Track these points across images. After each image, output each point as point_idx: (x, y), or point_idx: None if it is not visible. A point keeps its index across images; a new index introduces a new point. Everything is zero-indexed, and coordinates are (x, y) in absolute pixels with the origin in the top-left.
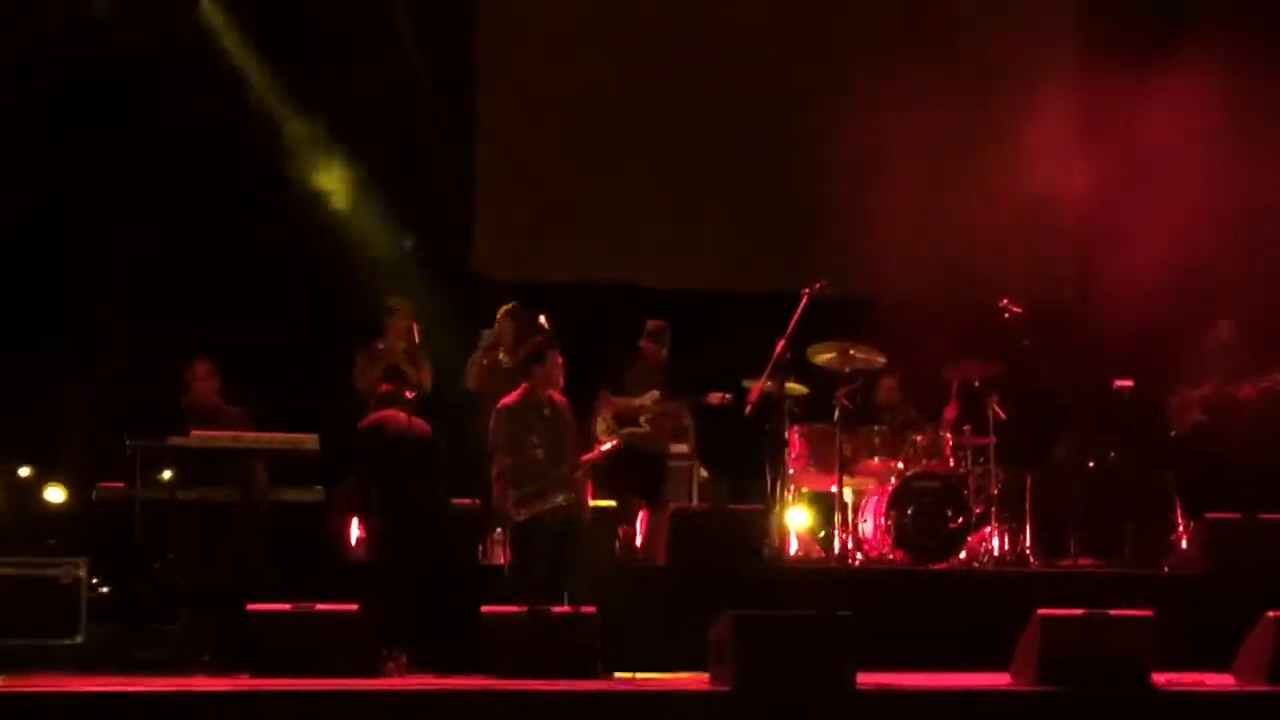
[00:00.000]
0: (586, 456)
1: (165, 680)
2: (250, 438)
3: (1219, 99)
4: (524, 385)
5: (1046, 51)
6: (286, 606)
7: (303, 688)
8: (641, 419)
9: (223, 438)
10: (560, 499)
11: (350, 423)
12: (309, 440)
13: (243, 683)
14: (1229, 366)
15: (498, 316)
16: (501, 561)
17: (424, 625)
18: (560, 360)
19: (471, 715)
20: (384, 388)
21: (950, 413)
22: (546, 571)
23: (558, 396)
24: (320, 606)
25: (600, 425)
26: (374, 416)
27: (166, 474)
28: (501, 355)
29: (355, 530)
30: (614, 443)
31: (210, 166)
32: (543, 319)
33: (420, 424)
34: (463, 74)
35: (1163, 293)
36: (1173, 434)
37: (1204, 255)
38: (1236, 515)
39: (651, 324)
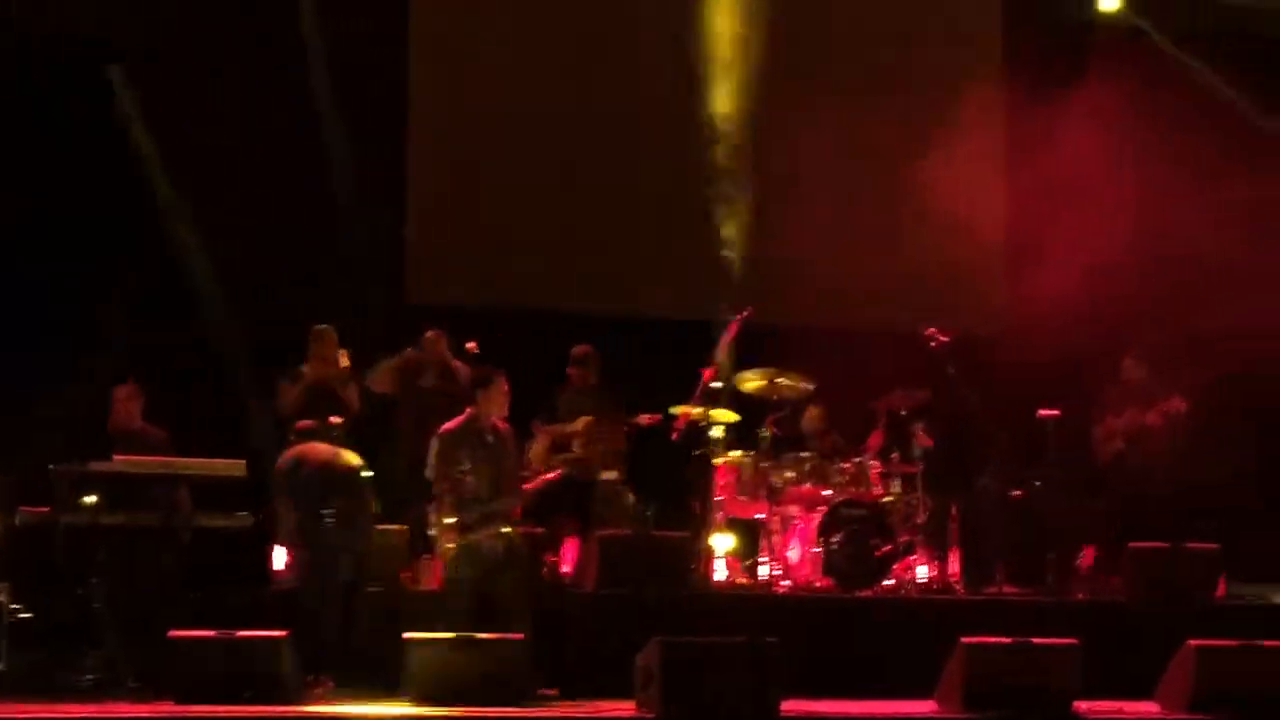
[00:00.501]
0: (529, 485)
1: (88, 707)
2: (176, 463)
3: (1131, 133)
4: (468, 410)
5: (971, 85)
6: (211, 633)
7: (227, 714)
8: (575, 445)
9: (148, 463)
10: (501, 527)
11: (274, 451)
12: (235, 466)
13: (166, 709)
14: (1142, 395)
15: (424, 340)
16: (432, 588)
17: (350, 652)
18: (506, 388)
19: None
20: (302, 425)
21: (876, 440)
22: (480, 600)
23: (501, 424)
24: (244, 633)
25: (536, 454)
26: (293, 451)
27: (90, 499)
28: (423, 380)
29: (282, 557)
30: (557, 472)
31: (130, 190)
32: (471, 345)
33: (347, 455)
34: (394, 101)
35: (1086, 322)
36: (1098, 464)
37: (1125, 284)
38: (1160, 545)
39: (578, 350)
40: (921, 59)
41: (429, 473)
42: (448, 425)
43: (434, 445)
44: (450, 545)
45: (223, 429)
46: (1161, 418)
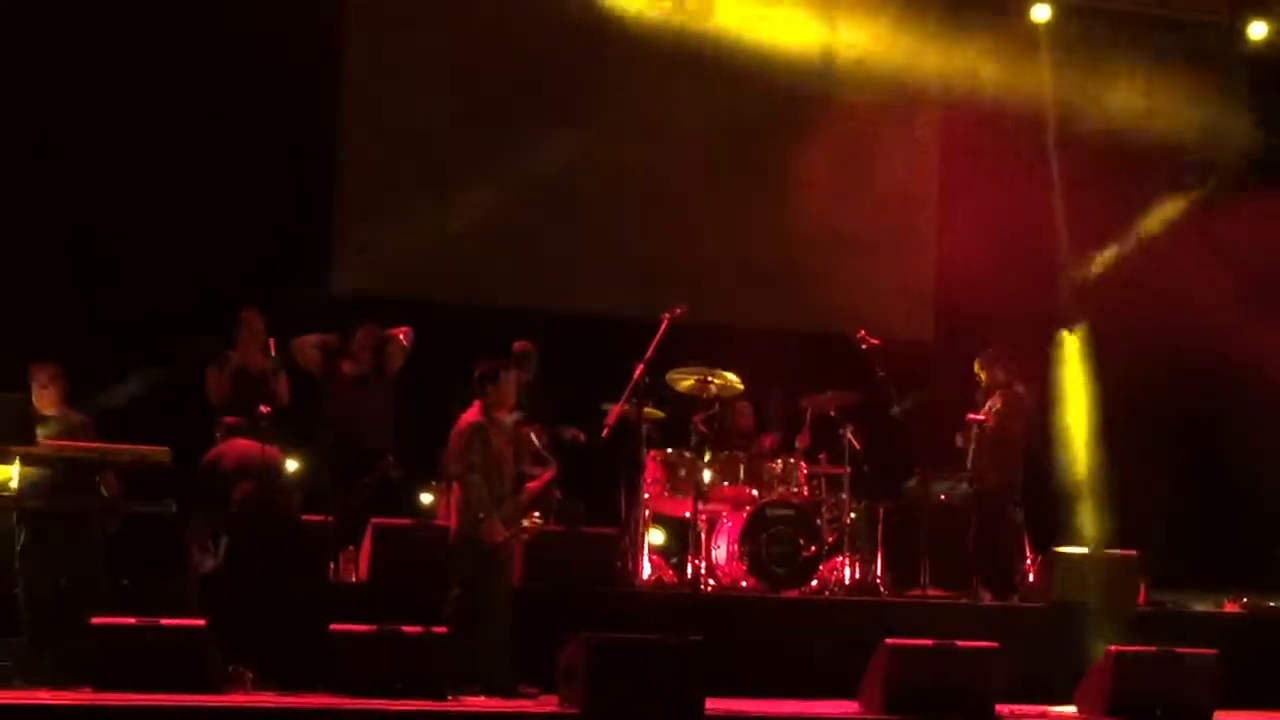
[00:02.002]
0: (531, 485)
1: (6, 693)
2: (100, 448)
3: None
4: (477, 404)
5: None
6: (131, 620)
7: (146, 702)
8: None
9: (71, 447)
10: (526, 520)
11: (200, 443)
12: (159, 453)
13: (86, 696)
14: (985, 397)
15: (357, 334)
16: (352, 579)
17: (272, 642)
18: (514, 380)
19: None
20: (229, 420)
21: (802, 441)
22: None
23: (505, 416)
24: (165, 621)
25: None
26: (216, 450)
27: (12, 482)
28: (346, 364)
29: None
30: (551, 471)
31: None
32: (402, 335)
33: (271, 450)
34: (325, 87)
35: (1017, 325)
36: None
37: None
38: (1082, 550)
39: (517, 346)
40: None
41: (453, 467)
42: (469, 417)
43: (465, 438)
44: (495, 539)
45: (148, 414)
46: (988, 416)
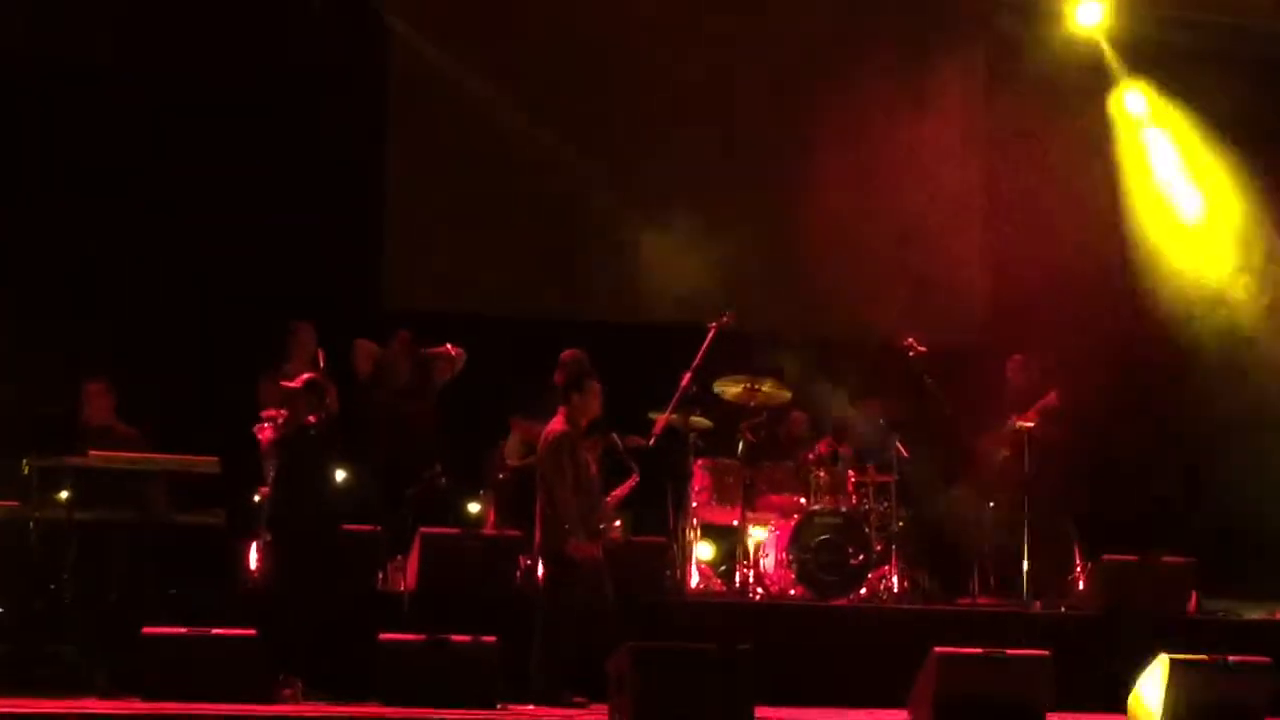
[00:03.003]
0: (614, 494)
1: (58, 703)
2: (149, 459)
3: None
4: (563, 411)
5: (953, 86)
6: (182, 630)
7: (196, 712)
8: None
9: (121, 458)
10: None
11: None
12: (208, 463)
13: (136, 706)
14: (1023, 401)
15: (395, 339)
16: (401, 589)
17: (321, 652)
18: (598, 389)
19: None
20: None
21: (847, 450)
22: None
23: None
24: (215, 630)
25: (510, 449)
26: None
27: (63, 494)
28: (395, 379)
29: (254, 555)
30: (634, 480)
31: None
32: (449, 347)
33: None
34: (375, 102)
35: (1065, 332)
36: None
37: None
38: (1133, 557)
39: (566, 355)
40: (909, 61)
41: (550, 476)
42: (556, 427)
43: (556, 448)
44: (589, 552)
45: (197, 425)
46: (1038, 415)
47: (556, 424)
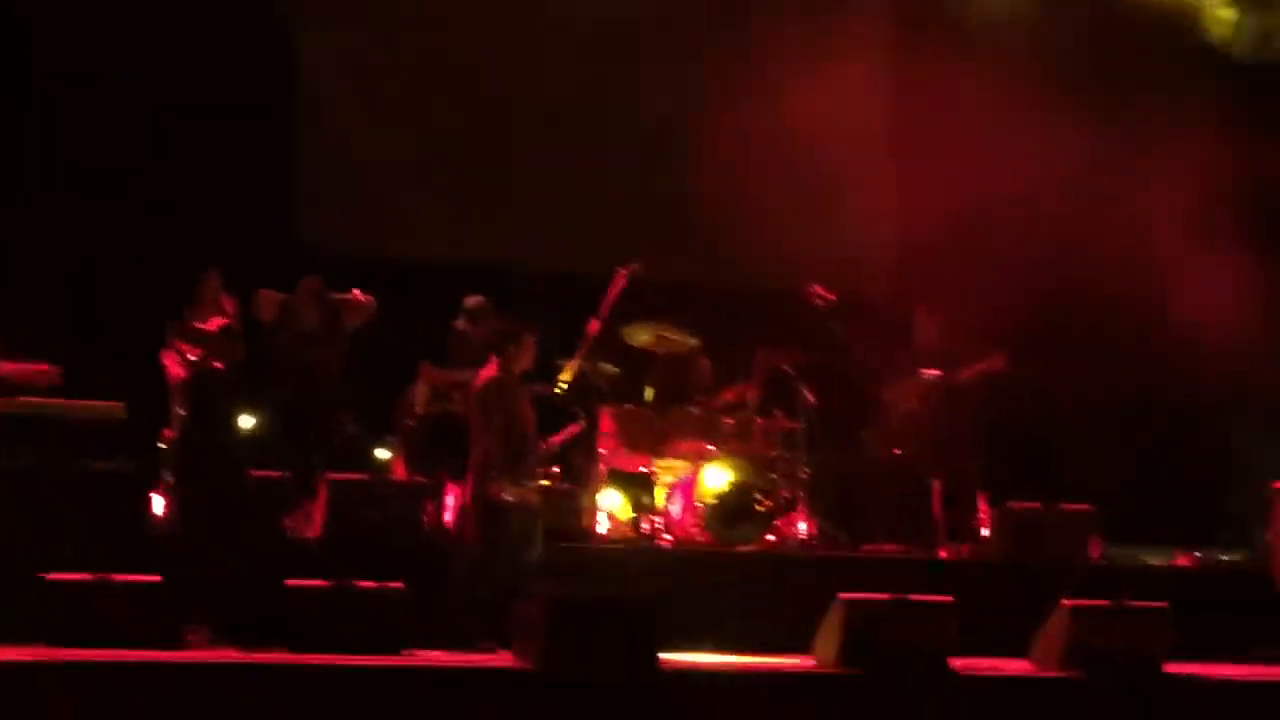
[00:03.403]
0: (556, 438)
1: None
2: (52, 405)
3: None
4: (494, 361)
5: (861, 37)
6: (86, 576)
7: (102, 658)
8: (457, 395)
9: (26, 404)
10: (538, 482)
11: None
12: (113, 409)
13: (40, 653)
14: (933, 356)
15: (301, 285)
16: (308, 535)
17: (228, 598)
18: (533, 344)
19: (274, 688)
20: (192, 354)
21: (757, 396)
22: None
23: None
24: (120, 577)
25: (419, 395)
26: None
27: None
28: (302, 323)
29: (160, 501)
30: (579, 425)
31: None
32: (357, 293)
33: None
34: (284, 49)
35: (972, 283)
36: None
37: (1014, 246)
38: (1037, 504)
39: (470, 301)
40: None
41: (477, 422)
42: (487, 373)
43: (483, 394)
44: (507, 498)
45: (101, 371)
46: (974, 375)
47: (489, 371)
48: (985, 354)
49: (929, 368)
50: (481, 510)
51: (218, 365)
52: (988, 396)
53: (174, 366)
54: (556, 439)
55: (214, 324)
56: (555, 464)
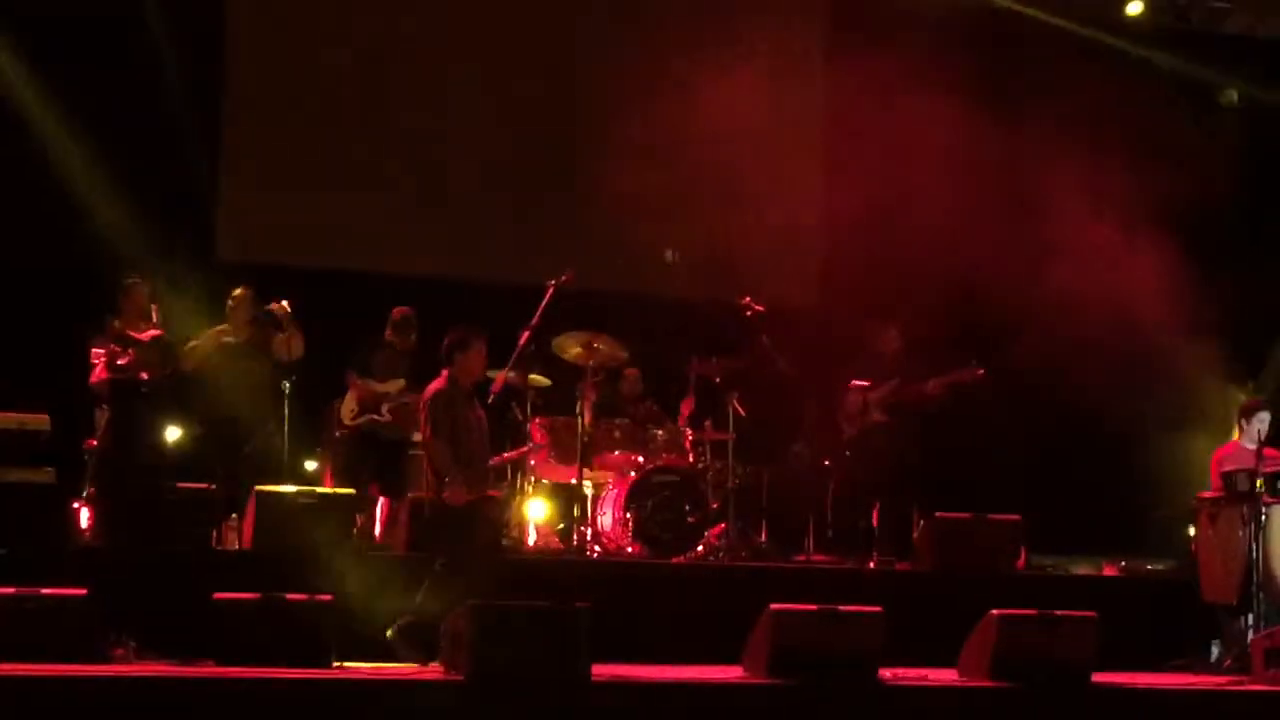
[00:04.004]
0: (504, 455)
1: None
2: None
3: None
4: (445, 372)
5: (794, 50)
6: (10, 590)
7: (27, 673)
8: (384, 407)
9: None
10: (491, 488)
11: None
12: (38, 420)
13: None
14: (906, 367)
15: (230, 298)
16: (237, 546)
17: (155, 611)
18: (483, 350)
19: (200, 701)
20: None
21: (686, 407)
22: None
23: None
24: (45, 590)
25: (345, 407)
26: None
27: None
28: (228, 337)
29: (85, 513)
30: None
31: None
32: (285, 304)
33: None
34: (210, 58)
35: (899, 294)
36: (845, 434)
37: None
38: (966, 515)
39: (396, 312)
40: (749, 23)
41: (428, 435)
42: (434, 387)
43: (431, 408)
44: (458, 503)
45: (25, 382)
46: (941, 388)
47: (437, 383)
48: (956, 364)
49: (891, 377)
50: (435, 519)
51: (143, 375)
52: (950, 408)
53: (101, 368)
54: (507, 456)
55: (146, 335)
56: (503, 480)
